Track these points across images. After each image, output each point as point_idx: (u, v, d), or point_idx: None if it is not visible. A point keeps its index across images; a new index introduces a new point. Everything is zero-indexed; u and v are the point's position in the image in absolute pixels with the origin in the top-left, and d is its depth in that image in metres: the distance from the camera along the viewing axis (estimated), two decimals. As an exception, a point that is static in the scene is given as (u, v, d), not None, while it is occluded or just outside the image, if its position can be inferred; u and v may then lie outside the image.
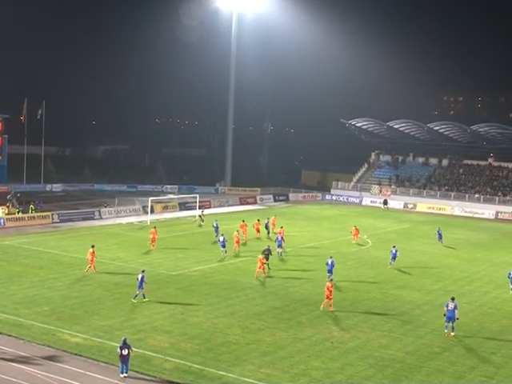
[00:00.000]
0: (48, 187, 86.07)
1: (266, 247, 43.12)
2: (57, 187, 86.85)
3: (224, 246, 46.84)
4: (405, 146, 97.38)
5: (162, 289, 37.03)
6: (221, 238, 47.42)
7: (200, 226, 60.57)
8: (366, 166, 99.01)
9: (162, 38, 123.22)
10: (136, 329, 29.63)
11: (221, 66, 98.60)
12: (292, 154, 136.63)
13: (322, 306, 34.06)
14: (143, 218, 64.27)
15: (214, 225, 54.47)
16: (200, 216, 62.19)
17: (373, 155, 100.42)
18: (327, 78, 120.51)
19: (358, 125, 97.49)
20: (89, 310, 32.14)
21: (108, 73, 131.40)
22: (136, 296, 33.91)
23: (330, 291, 33.85)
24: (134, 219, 63.74)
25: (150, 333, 29.20)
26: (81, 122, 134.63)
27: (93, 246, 40.97)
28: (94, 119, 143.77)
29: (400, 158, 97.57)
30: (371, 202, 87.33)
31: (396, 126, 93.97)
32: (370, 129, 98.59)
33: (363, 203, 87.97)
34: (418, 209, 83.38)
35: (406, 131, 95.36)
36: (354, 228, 56.07)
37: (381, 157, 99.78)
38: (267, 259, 41.83)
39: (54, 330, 28.88)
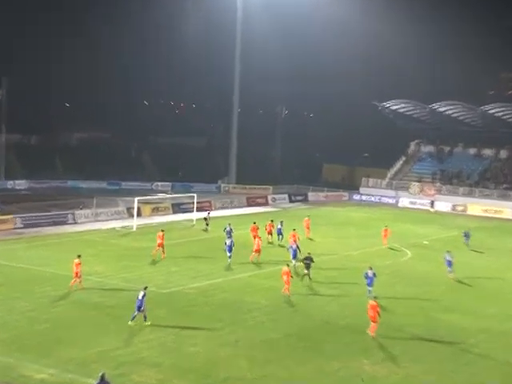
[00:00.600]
0: (9, 184, 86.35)
1: (307, 255, 44.92)
2: (20, 184, 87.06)
3: (230, 251, 48.57)
4: (452, 133, 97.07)
5: (151, 310, 36.70)
6: (227, 242, 49.07)
7: (206, 230, 61.18)
8: (404, 158, 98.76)
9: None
10: (117, 361, 29.39)
11: (224, 33, 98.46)
12: (311, 144, 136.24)
13: (370, 332, 33.80)
14: (128, 222, 64.18)
15: (228, 229, 54.97)
16: (206, 219, 62.43)
17: (412, 145, 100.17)
18: (355, 50, 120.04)
19: (394, 108, 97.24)
20: (60, 338, 31.91)
21: (85, 43, 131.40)
22: (134, 318, 33.98)
23: (377, 312, 33.65)
24: (116, 224, 63.70)
25: (135, 366, 28.94)
26: (51, 104, 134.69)
27: (79, 256, 41.01)
28: (67, 100, 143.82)
29: (446, 149, 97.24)
30: (410, 203, 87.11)
31: (441, 109, 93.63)
32: (408, 112, 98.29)
33: (400, 204, 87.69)
34: (468, 211, 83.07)
35: (454, 115, 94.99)
36: (384, 228, 58.65)
37: (422, 147, 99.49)
38: (308, 268, 44.05)
39: (15, 364, 28.59)
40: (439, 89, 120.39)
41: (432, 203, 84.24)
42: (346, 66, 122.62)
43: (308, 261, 44.26)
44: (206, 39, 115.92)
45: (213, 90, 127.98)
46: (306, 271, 44.18)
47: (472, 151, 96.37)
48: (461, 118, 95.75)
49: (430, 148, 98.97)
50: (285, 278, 40.48)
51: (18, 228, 59.25)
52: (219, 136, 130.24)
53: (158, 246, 49.83)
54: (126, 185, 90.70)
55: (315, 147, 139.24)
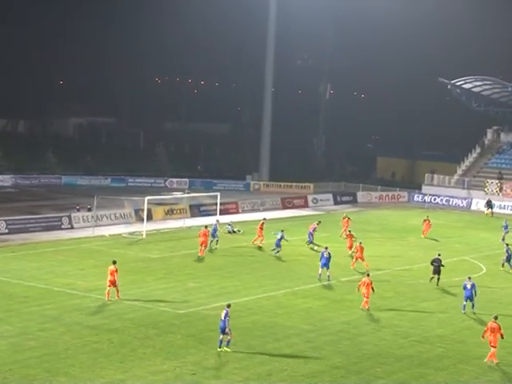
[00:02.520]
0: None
1: (437, 256, 49.26)
2: (5, 180, 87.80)
3: (279, 246, 53.84)
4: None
5: (164, 335, 37.05)
6: (279, 235, 54.15)
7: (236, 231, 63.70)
8: (479, 149, 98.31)
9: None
10: (123, 397, 29.65)
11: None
12: (362, 133, 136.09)
13: (487, 358, 34.94)
14: (136, 227, 64.48)
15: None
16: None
17: (489, 133, 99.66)
18: (417, 15, 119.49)
19: (467, 86, 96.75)
20: (51, 368, 32.12)
21: (84, 9, 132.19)
22: (228, 343, 34.92)
23: (500, 334, 35.05)
24: (121, 229, 64.09)
25: (145, 403, 29.18)
26: (43, 83, 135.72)
27: (114, 262, 42.55)
28: (61, 78, 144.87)
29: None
30: (486, 205, 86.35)
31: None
32: (484, 92, 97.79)
33: (473, 207, 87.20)
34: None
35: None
36: (425, 220, 66.91)
37: (502, 136, 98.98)
38: (439, 273, 48.73)
39: (-2, 398, 29.02)
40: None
41: (489, 203, 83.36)
42: (406, 36, 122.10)
43: (437, 263, 48.57)
44: (233, 2, 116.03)
45: (240, 64, 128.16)
46: (432, 275, 48.92)
47: None
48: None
49: None
50: (364, 290, 42.81)
51: (3, 234, 59.78)
52: (248, 122, 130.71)
53: (202, 244, 53.69)
54: (133, 181, 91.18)
55: (367, 136, 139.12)
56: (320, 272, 49.68)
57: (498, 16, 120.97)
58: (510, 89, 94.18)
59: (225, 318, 35.00)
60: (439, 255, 49.53)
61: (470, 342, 38.38)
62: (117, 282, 42.36)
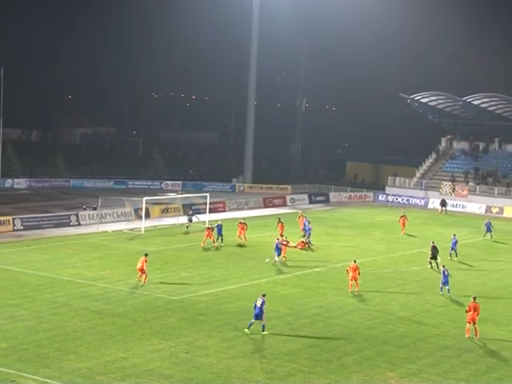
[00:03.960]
0: (8, 183, 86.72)
1: (433, 244, 51.13)
2: (20, 183, 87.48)
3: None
4: (488, 128, 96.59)
5: (161, 319, 37.03)
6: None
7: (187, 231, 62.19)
8: (435, 155, 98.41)
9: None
10: (125, 373, 29.58)
11: (240, 21, 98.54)
12: (333, 140, 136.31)
13: (467, 334, 36.19)
14: (135, 224, 64.37)
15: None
16: (190, 221, 63.83)
17: (443, 141, 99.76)
18: (381, 37, 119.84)
19: (424, 100, 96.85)
20: (62, 348, 32.14)
21: (90, 29, 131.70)
22: (250, 325, 34.89)
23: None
24: (123, 226, 63.90)
25: (144, 378, 29.11)
26: (53, 96, 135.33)
27: (146, 255, 43.88)
28: (70, 92, 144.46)
29: (481, 146, 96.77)
30: (440, 204, 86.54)
31: (476, 102, 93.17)
32: (439, 106, 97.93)
33: (430, 206, 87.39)
34: (505, 214, 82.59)
35: (490, 109, 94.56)
36: (401, 216, 66.41)
37: (454, 144, 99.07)
38: (436, 258, 50.39)
39: (14, 375, 28.82)
40: (474, 80, 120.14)
41: (443, 202, 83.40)
42: (371, 56, 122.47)
43: (434, 250, 50.45)
44: (219, 28, 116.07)
45: (227, 81, 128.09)
46: (430, 260, 50.87)
47: (510, 148, 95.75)
48: (498, 111, 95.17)
49: (463, 144, 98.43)
50: (351, 273, 43.88)
51: (18, 230, 59.57)
52: (234, 131, 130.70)
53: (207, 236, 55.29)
54: (133, 184, 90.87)
55: (338, 144, 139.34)
56: (276, 258, 50.51)
57: (453, 36, 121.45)
58: (460, 103, 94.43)
59: (261, 305, 34.77)
60: (433, 242, 51.73)
61: (428, 323, 38.54)
62: (145, 270, 43.66)
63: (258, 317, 34.84)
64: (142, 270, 43.79)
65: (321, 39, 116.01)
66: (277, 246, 50.78)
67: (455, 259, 54.40)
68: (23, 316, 36.54)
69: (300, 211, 69.45)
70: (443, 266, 44.82)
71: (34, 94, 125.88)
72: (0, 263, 47.80)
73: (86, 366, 30.10)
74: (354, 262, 44.32)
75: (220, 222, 57.81)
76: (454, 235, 56.13)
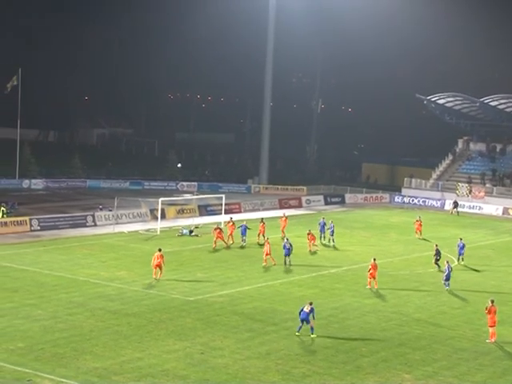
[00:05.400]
0: (25, 183, 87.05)
1: (435, 247, 51.57)
2: (37, 184, 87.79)
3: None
4: (505, 130, 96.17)
5: (176, 319, 37.08)
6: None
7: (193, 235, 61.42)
8: (451, 157, 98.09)
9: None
10: (141, 373, 29.67)
11: (255, 20, 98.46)
12: (349, 141, 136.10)
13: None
14: (151, 225, 64.48)
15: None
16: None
17: (460, 143, 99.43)
18: (397, 38, 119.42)
19: (441, 102, 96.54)
20: (78, 348, 32.25)
21: (106, 32, 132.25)
22: (313, 330, 34.87)
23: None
24: (138, 227, 64.03)
25: (160, 378, 29.18)
26: (70, 98, 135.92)
27: (160, 250, 45.01)
28: (86, 93, 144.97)
29: (498, 147, 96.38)
30: (452, 205, 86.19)
31: (493, 104, 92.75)
32: (456, 107, 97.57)
33: (446, 207, 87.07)
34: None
35: (508, 110, 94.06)
36: (416, 220, 65.64)
37: (471, 145, 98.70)
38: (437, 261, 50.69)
39: (31, 374, 28.95)
40: (492, 81, 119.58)
41: (455, 203, 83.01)
42: (387, 57, 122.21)
43: (438, 255, 50.89)
44: (235, 29, 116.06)
45: (242, 82, 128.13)
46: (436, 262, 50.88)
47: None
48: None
49: (480, 146, 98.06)
50: (371, 272, 45.08)
51: (35, 230, 59.78)
52: (249, 132, 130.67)
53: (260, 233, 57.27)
54: (149, 185, 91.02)
55: (354, 145, 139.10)
56: (284, 260, 50.46)
57: (471, 37, 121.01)
58: (477, 104, 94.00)
59: (310, 312, 34.82)
60: (436, 245, 52.07)
61: (444, 325, 38.45)
62: (162, 266, 44.57)
63: (303, 321, 34.98)
64: (159, 266, 44.49)
65: (337, 40, 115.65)
66: (284, 246, 50.79)
67: (462, 263, 53.90)
68: (40, 316, 36.66)
69: (284, 212, 67.40)
70: (447, 262, 45.86)
71: (51, 94, 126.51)
72: (17, 263, 48.00)
73: (101, 365, 30.20)
74: (374, 260, 45.47)
75: (245, 223, 57.88)
76: (461, 239, 55.53)
